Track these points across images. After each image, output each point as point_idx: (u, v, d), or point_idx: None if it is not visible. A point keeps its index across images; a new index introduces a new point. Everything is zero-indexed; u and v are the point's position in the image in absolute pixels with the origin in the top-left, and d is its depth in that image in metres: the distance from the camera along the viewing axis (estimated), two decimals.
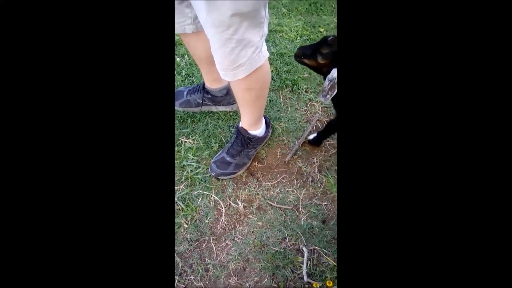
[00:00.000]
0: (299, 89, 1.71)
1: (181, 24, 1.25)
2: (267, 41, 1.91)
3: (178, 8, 1.20)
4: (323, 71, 1.17)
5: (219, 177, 1.44)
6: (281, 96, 1.70)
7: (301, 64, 1.21)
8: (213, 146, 1.53)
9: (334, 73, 1.08)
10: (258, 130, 1.44)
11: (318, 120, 1.62)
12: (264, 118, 1.48)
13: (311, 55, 1.16)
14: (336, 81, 1.08)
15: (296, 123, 1.60)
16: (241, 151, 1.43)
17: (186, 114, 1.64)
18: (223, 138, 1.56)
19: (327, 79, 1.10)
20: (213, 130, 1.59)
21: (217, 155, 1.47)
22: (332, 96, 1.09)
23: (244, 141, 1.41)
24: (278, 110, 1.65)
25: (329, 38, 1.12)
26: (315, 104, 1.66)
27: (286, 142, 1.55)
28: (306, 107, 1.66)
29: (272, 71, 1.78)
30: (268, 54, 1.16)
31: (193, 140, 1.55)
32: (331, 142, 1.54)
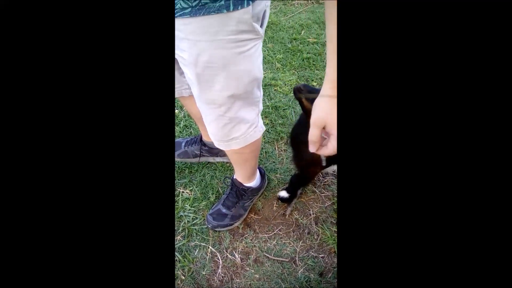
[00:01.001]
0: None
1: (179, 89, 1.31)
2: (262, 94, 1.98)
3: (176, 76, 1.24)
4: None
5: (216, 229, 1.44)
6: (276, 148, 1.75)
7: (297, 99, 1.11)
8: (210, 197, 1.55)
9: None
10: (253, 182, 1.46)
11: None
12: (259, 169, 1.52)
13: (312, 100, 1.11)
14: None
15: (291, 175, 1.63)
16: (236, 202, 1.45)
17: (183, 164, 1.67)
18: (220, 189, 1.58)
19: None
20: (210, 181, 1.61)
21: (213, 207, 1.48)
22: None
23: (239, 192, 1.44)
24: (273, 162, 1.69)
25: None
26: None
27: None
28: None
29: (267, 123, 1.84)
30: (264, 128, 1.19)
31: (190, 190, 1.57)
32: (327, 193, 1.57)
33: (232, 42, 0.86)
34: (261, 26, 0.90)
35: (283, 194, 1.50)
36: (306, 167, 1.29)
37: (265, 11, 0.90)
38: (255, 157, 1.38)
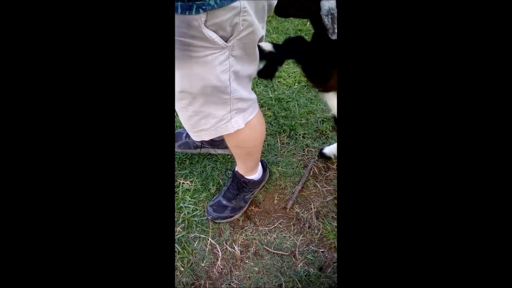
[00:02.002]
0: (296, 135, 1.75)
1: None
2: (266, 86, 1.96)
3: None
4: (313, 10, 0.96)
5: (216, 221, 1.44)
6: (278, 141, 1.73)
7: (286, 17, 1.08)
8: (210, 188, 1.54)
9: (324, 4, 0.90)
10: (255, 175, 1.45)
11: (314, 165, 1.64)
12: (261, 162, 1.50)
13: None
14: (334, 11, 0.90)
15: (293, 168, 1.62)
16: (237, 194, 1.44)
17: (184, 155, 1.65)
18: (220, 181, 1.57)
19: (322, 16, 0.91)
20: (211, 172, 1.60)
21: (213, 198, 1.47)
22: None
23: (240, 185, 1.43)
24: (275, 155, 1.67)
25: None
26: (312, 149, 1.69)
27: (283, 186, 1.56)
28: (303, 152, 1.69)
29: (269, 115, 1.82)
30: (242, 125, 1.13)
31: (191, 181, 1.56)
32: (328, 188, 1.56)
33: (183, 44, 0.85)
34: (232, 36, 0.88)
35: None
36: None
37: (237, 23, 0.86)
38: (258, 152, 1.36)
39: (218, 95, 0.99)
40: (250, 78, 1.08)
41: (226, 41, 0.87)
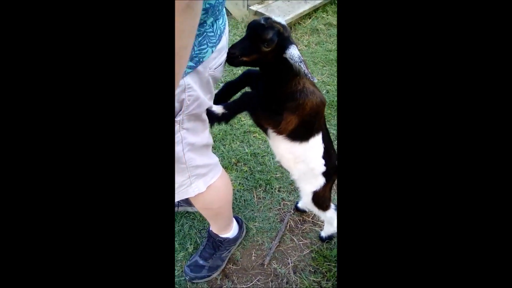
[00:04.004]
0: (272, 188, 1.78)
1: None
2: (241, 141, 2.02)
3: None
4: (269, 60, 0.99)
5: (194, 281, 1.43)
6: (255, 196, 1.76)
7: (238, 65, 1.02)
8: (188, 247, 1.54)
9: (293, 51, 0.94)
10: (229, 233, 1.47)
11: (291, 218, 1.66)
12: (236, 219, 1.52)
13: (252, 49, 0.97)
14: (302, 57, 0.95)
15: (270, 223, 1.64)
16: (213, 253, 1.44)
17: None
18: (198, 240, 1.57)
19: (296, 64, 0.94)
20: (189, 231, 1.61)
21: (191, 258, 1.48)
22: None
23: (215, 244, 1.44)
24: (252, 210, 1.70)
25: (262, 21, 0.95)
26: (287, 203, 1.72)
27: (260, 242, 1.57)
28: (279, 206, 1.72)
29: (246, 171, 1.86)
30: (203, 189, 1.16)
31: None
32: (305, 241, 1.58)
33: None
34: (181, 111, 0.92)
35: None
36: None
37: (184, 99, 0.91)
38: (226, 210, 1.39)
39: (180, 160, 1.03)
40: (207, 145, 1.12)
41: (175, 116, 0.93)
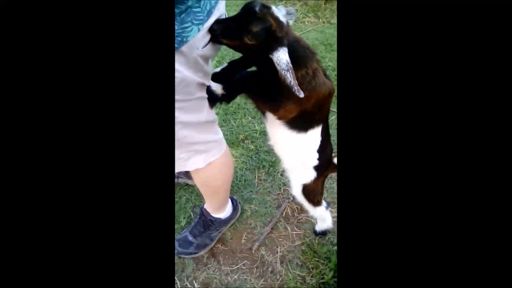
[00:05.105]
0: (275, 171, 1.75)
1: None
2: (253, 117, 1.97)
3: None
4: (251, 53, 0.92)
5: (180, 255, 1.44)
6: (256, 177, 1.73)
7: (216, 43, 0.92)
8: (181, 221, 1.55)
9: (281, 55, 0.84)
10: (223, 213, 1.46)
11: (288, 205, 1.63)
12: (231, 200, 1.51)
13: (234, 34, 0.87)
14: (290, 64, 0.85)
15: (266, 207, 1.62)
16: (203, 232, 1.44)
17: None
18: (192, 214, 1.58)
19: (283, 72, 0.84)
20: (185, 204, 1.61)
21: (181, 232, 1.48)
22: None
23: (206, 223, 1.43)
24: (251, 191, 1.68)
25: (257, 9, 0.83)
26: (288, 189, 1.69)
27: (253, 226, 1.56)
28: (279, 191, 1.69)
29: (252, 149, 1.82)
30: (201, 165, 1.14)
31: None
32: (298, 232, 1.55)
33: None
34: None
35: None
36: None
37: None
38: (224, 191, 1.37)
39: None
40: (208, 122, 1.08)
41: None
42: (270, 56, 0.85)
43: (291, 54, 0.86)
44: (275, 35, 0.84)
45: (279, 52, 0.83)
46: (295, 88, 0.84)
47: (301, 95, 0.86)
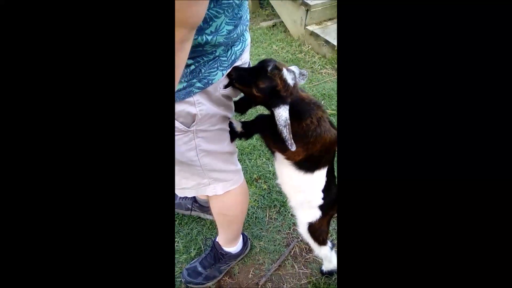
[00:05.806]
0: (286, 211, 1.80)
1: None
2: (267, 159, 2.05)
3: None
4: (256, 101, 1.03)
5: (188, 285, 1.48)
6: (267, 215, 1.79)
7: (232, 86, 1.02)
8: (191, 252, 1.60)
9: (282, 111, 0.95)
10: (233, 248, 1.50)
11: (297, 245, 1.67)
12: (242, 235, 1.56)
13: (246, 82, 0.98)
14: (288, 121, 0.95)
15: (275, 245, 1.66)
16: (213, 264, 1.49)
17: (176, 215, 1.73)
18: (202, 246, 1.62)
19: (281, 127, 0.95)
20: (196, 236, 1.66)
21: (191, 262, 1.53)
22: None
23: (217, 255, 1.48)
24: (261, 229, 1.72)
25: (269, 68, 0.94)
26: (297, 228, 1.73)
27: (261, 262, 1.59)
28: (289, 230, 1.73)
29: (264, 188, 1.89)
30: (220, 192, 1.22)
31: (175, 241, 1.62)
32: (305, 271, 1.58)
33: None
34: (194, 123, 0.98)
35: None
36: None
37: (196, 114, 0.96)
38: (239, 222, 1.42)
39: (187, 168, 1.10)
40: (230, 153, 1.17)
41: (188, 127, 0.99)
42: (273, 109, 0.97)
43: (295, 108, 0.98)
44: (279, 94, 0.95)
45: (280, 109, 0.95)
46: (289, 142, 0.95)
47: (293, 148, 0.96)
